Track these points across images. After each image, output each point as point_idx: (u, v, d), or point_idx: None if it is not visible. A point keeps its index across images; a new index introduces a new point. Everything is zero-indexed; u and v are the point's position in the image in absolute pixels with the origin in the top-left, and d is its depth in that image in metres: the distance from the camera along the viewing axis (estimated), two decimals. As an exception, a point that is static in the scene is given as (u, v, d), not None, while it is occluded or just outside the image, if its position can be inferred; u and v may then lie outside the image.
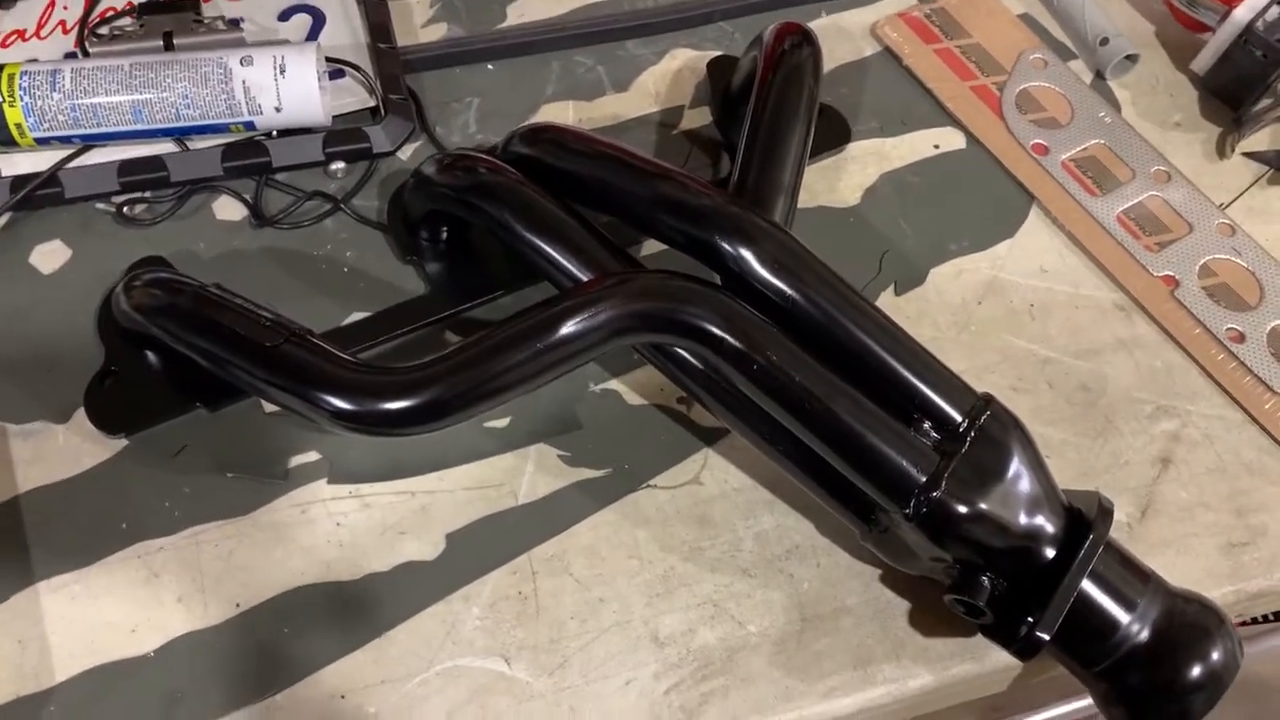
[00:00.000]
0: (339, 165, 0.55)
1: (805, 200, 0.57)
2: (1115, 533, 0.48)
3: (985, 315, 0.54)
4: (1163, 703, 0.41)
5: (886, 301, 0.54)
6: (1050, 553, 0.41)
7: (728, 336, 0.42)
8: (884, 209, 0.57)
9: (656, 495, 0.48)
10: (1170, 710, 0.41)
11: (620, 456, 0.48)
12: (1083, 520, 0.42)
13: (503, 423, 0.49)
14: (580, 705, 0.43)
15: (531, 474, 0.48)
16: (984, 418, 0.42)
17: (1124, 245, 0.56)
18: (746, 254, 0.44)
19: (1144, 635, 0.41)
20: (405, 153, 0.56)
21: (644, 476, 0.48)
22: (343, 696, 0.42)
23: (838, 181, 0.58)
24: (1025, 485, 0.42)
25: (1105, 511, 0.42)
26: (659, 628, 0.45)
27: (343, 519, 0.46)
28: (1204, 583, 0.47)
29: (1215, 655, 0.41)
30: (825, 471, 0.44)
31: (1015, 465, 0.42)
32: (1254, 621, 0.77)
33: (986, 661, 0.46)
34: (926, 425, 0.42)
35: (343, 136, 0.54)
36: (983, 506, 0.41)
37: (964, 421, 0.42)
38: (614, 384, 0.50)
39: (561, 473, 0.48)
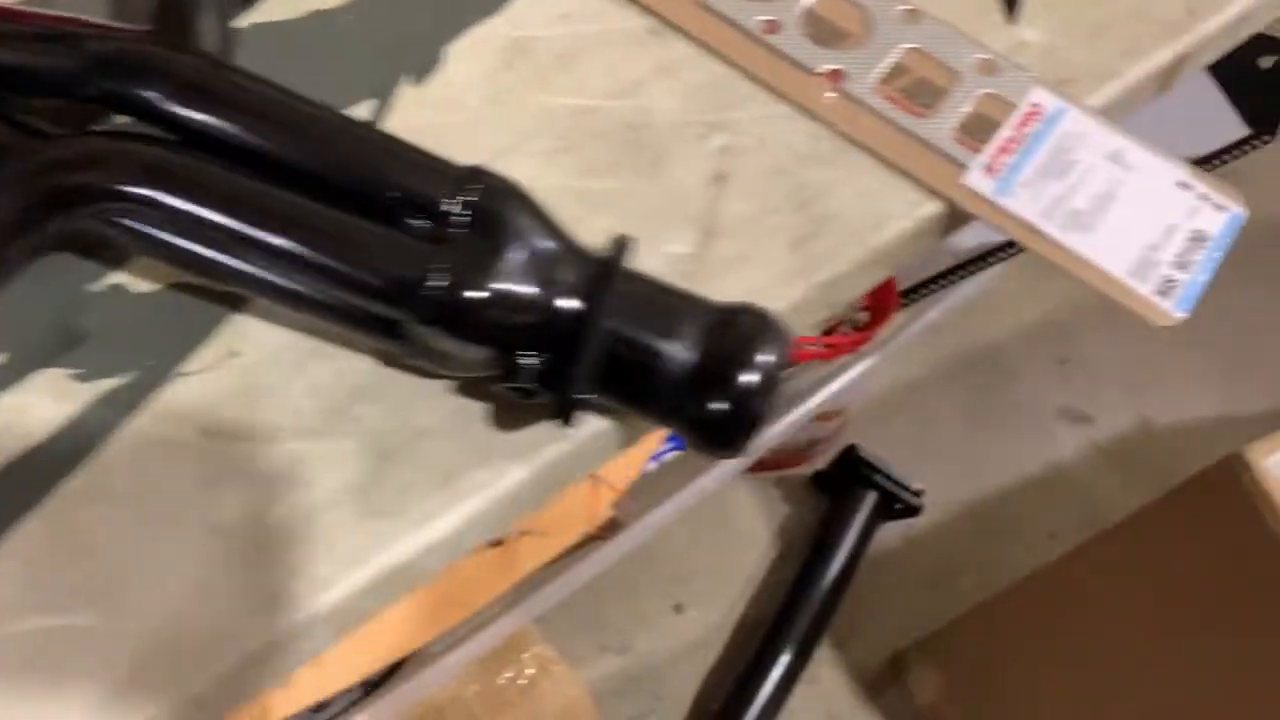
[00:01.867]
0: None
1: (294, 7, 0.50)
2: (679, 265, 0.47)
3: (513, 81, 0.50)
4: (727, 419, 0.40)
5: (407, 94, 0.49)
6: (579, 310, 0.39)
7: (158, 194, 0.37)
8: (383, -5, 0.51)
9: (190, 382, 0.43)
10: (737, 422, 0.40)
11: (140, 355, 0.43)
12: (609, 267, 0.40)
13: (-8, 361, 0.43)
14: (144, 627, 0.39)
15: (44, 406, 0.42)
16: (474, 193, 0.39)
17: (641, -37, 0.52)
18: (162, 93, 0.38)
19: (690, 360, 0.40)
20: None
21: (172, 367, 0.43)
22: (-121, 713, 0.38)
23: (328, -21, 0.51)
24: (534, 251, 0.39)
25: (621, 248, 0.40)
26: (221, 518, 0.41)
27: None
28: (777, 287, 0.47)
29: (763, 357, 0.40)
30: (339, 303, 0.40)
31: (518, 234, 0.39)
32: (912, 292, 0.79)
33: (577, 437, 0.44)
34: (418, 221, 0.39)
35: None
36: (492, 287, 0.38)
37: (453, 204, 0.39)
38: (115, 277, 0.44)
39: (76, 394, 0.42)
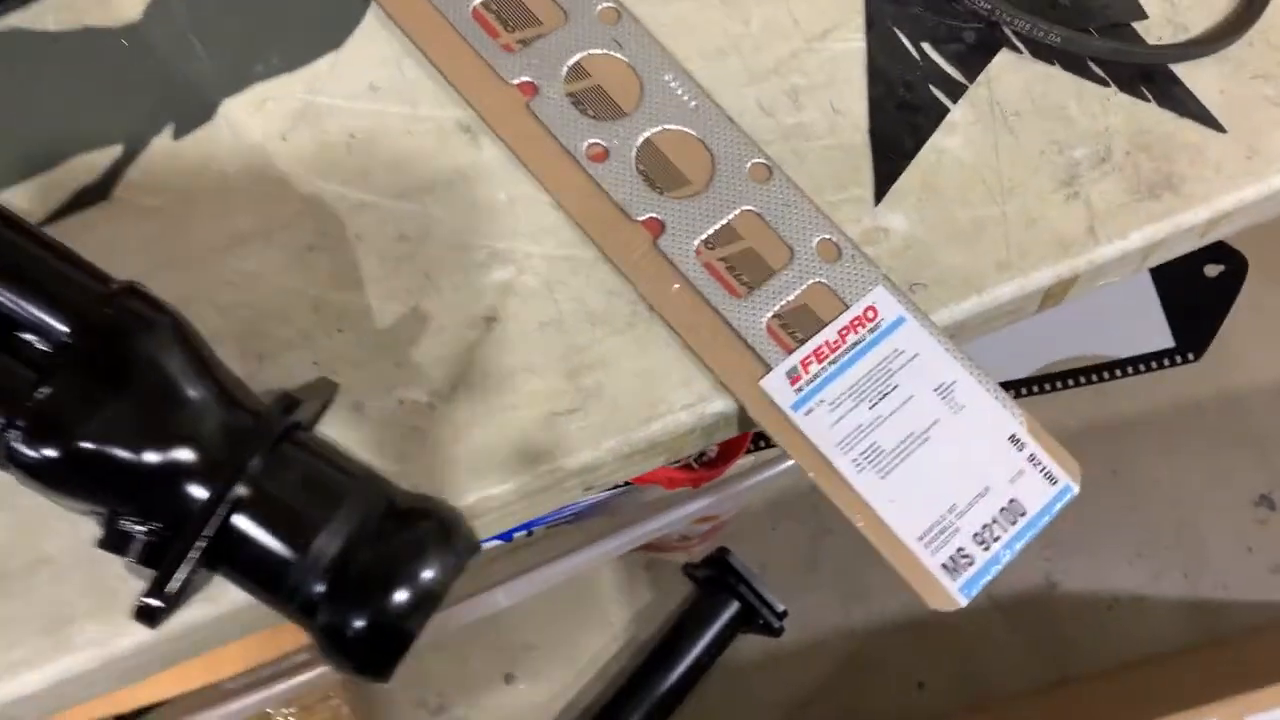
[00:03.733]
0: None
1: (68, 20, 0.44)
2: (410, 415, 0.40)
3: (289, 155, 0.43)
4: (366, 638, 0.33)
5: (163, 146, 0.43)
6: (197, 484, 0.32)
7: None
8: (173, 23, 0.44)
9: None
10: (378, 644, 0.33)
11: None
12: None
13: None
14: None
15: None
16: (100, 321, 0.32)
17: (475, 46, 0.45)
18: None
19: (334, 559, 0.33)
20: None
21: None
22: None
23: (115, -10, 0.45)
24: (165, 399, 0.32)
25: (285, 408, 0.33)
26: None
27: None
28: (511, 465, 0.40)
29: (427, 573, 0.33)
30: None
31: (145, 376, 0.32)
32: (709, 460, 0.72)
33: (224, 601, 0.38)
34: (38, 342, 0.32)
35: None
36: (86, 441, 0.31)
37: (74, 330, 0.32)
38: None
39: None
